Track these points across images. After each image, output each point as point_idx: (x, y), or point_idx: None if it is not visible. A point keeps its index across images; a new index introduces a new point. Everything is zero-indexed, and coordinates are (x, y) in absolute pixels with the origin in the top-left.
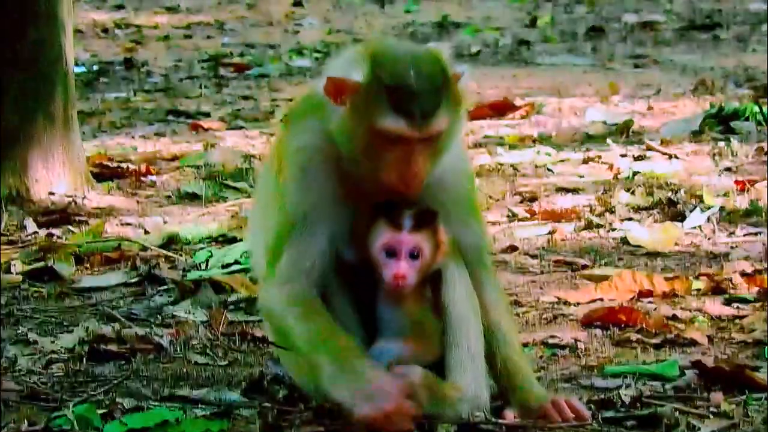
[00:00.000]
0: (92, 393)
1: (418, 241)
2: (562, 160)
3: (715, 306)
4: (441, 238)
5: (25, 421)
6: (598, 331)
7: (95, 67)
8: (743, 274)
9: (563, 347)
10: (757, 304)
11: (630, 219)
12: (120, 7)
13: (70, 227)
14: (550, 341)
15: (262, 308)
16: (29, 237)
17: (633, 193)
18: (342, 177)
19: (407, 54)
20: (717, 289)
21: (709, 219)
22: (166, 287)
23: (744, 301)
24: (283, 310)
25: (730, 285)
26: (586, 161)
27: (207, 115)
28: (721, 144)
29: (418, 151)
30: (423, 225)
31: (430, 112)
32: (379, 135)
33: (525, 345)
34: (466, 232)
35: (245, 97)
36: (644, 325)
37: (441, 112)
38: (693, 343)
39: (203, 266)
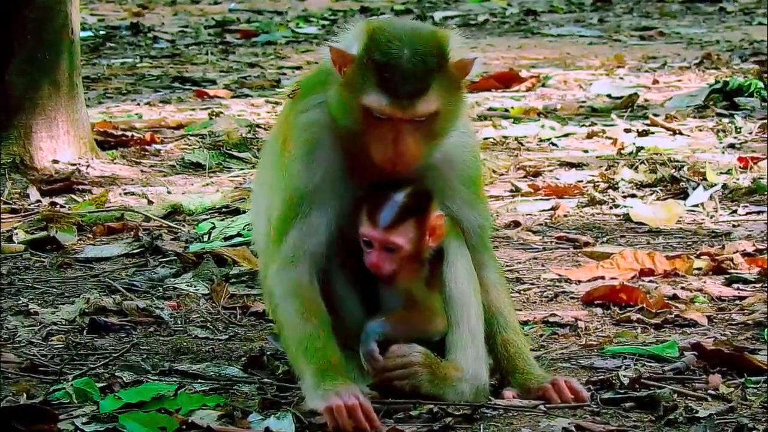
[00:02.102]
0: (92, 366)
1: (392, 237)
2: (566, 134)
3: (715, 286)
4: (434, 223)
5: (24, 394)
6: (599, 310)
7: (102, 32)
8: (744, 254)
9: (563, 326)
10: (758, 285)
11: (633, 195)
12: None
13: (73, 196)
14: (551, 320)
15: (264, 288)
16: (32, 206)
17: (636, 169)
18: (347, 153)
19: (406, 33)
20: (718, 269)
21: (711, 197)
22: (168, 259)
23: (745, 281)
24: (283, 298)
25: (732, 265)
26: (590, 136)
27: (213, 82)
28: (726, 120)
29: (406, 131)
30: (403, 219)
31: (417, 93)
32: (366, 111)
33: (525, 323)
34: (469, 212)
35: (251, 65)
36: (645, 305)
37: (431, 94)
38: (693, 323)
39: (206, 238)
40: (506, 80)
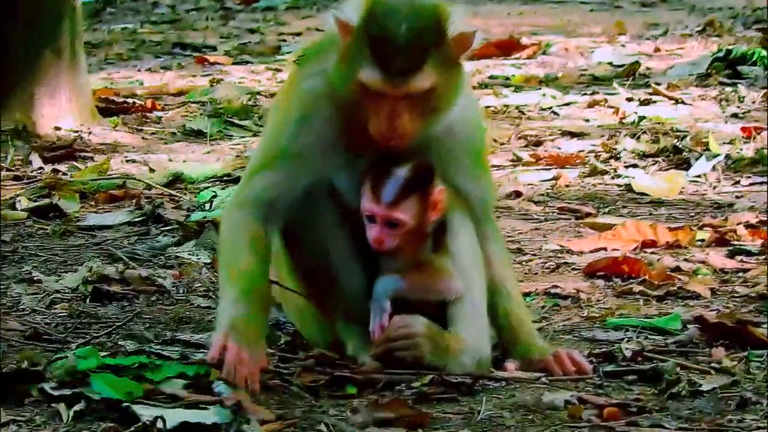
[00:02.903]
0: (95, 335)
1: (395, 213)
2: (567, 103)
3: (718, 258)
4: (436, 197)
5: (26, 362)
6: (601, 282)
7: None
8: (747, 225)
9: (565, 297)
10: (761, 258)
11: (635, 166)
12: None
13: (75, 163)
14: (553, 291)
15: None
16: (35, 173)
17: (638, 139)
18: (346, 123)
19: (405, 7)
20: (721, 241)
21: (714, 167)
22: (170, 227)
23: (748, 253)
24: (226, 232)
25: (734, 236)
26: (591, 105)
27: (213, 48)
28: (728, 89)
29: (401, 107)
30: (406, 194)
31: (411, 69)
32: (362, 85)
33: (527, 295)
34: (472, 185)
35: (251, 31)
36: (647, 277)
37: (426, 70)
38: (695, 296)
39: (207, 207)
40: (507, 48)
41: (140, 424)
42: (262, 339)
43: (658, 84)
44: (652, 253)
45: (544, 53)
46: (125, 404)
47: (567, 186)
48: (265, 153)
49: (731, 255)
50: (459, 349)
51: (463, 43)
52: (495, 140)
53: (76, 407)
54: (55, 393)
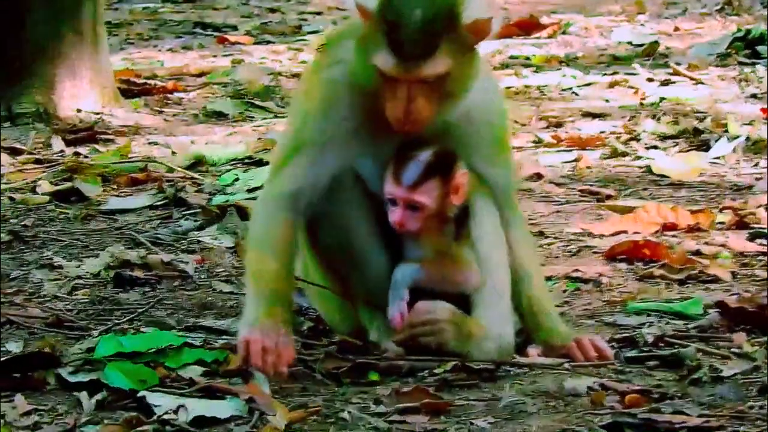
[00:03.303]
0: (117, 321)
1: (416, 196)
2: (588, 84)
3: (738, 241)
4: (459, 181)
5: (48, 348)
6: (622, 266)
7: None
8: None
9: (587, 281)
10: None
11: (655, 147)
12: None
13: (96, 146)
14: (574, 275)
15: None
16: (56, 156)
17: (659, 120)
18: (369, 112)
19: None
20: (741, 224)
21: (734, 149)
22: (192, 211)
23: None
24: (256, 226)
25: (755, 219)
26: (612, 85)
27: (234, 28)
28: (748, 69)
29: (416, 92)
30: (427, 178)
31: (424, 54)
32: (377, 70)
33: (548, 279)
34: (494, 170)
35: (272, 10)
36: (668, 261)
37: (439, 55)
38: (716, 279)
39: (229, 190)
40: (527, 27)
41: (158, 415)
42: (288, 329)
43: (678, 64)
44: (672, 236)
45: (564, 32)
46: (140, 394)
47: (588, 168)
48: (291, 144)
49: (751, 238)
50: (482, 335)
51: (480, 29)
52: (516, 121)
53: (98, 396)
54: (72, 380)
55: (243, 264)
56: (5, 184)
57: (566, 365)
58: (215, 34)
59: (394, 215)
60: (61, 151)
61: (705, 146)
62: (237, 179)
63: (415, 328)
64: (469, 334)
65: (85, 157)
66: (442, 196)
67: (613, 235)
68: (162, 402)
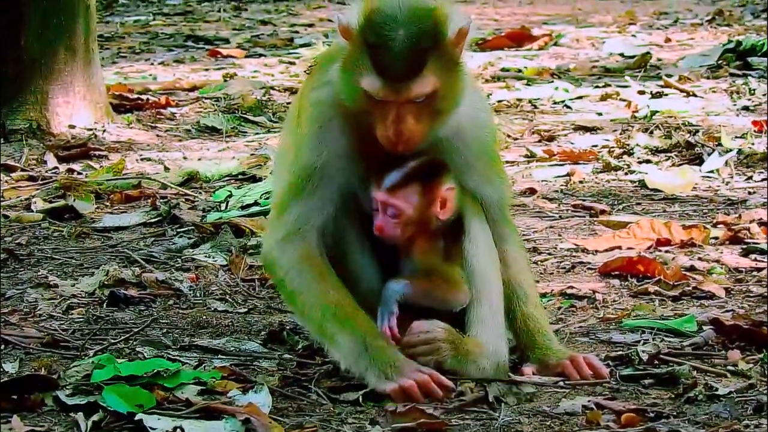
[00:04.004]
0: (113, 341)
1: (393, 199)
2: (580, 96)
3: (732, 257)
4: (445, 195)
5: (45, 369)
6: (616, 282)
7: None
8: (761, 223)
9: (581, 298)
10: None
11: (648, 161)
12: None
13: (90, 162)
14: (568, 292)
15: (265, 261)
16: (49, 173)
17: (651, 134)
18: (358, 130)
19: (402, 13)
20: (735, 239)
21: (726, 163)
22: (185, 229)
23: (761, 251)
24: (290, 269)
25: (748, 234)
26: (604, 98)
27: (226, 41)
28: (739, 81)
29: (405, 112)
30: (407, 183)
31: (411, 75)
32: (364, 92)
33: (543, 295)
34: (487, 186)
35: (264, 22)
36: (662, 277)
37: (426, 74)
38: (710, 296)
39: (223, 206)
40: (518, 39)
41: None
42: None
43: (670, 76)
44: (666, 251)
45: (555, 44)
46: (138, 416)
47: (581, 182)
48: (292, 177)
49: (745, 253)
50: (478, 353)
51: (461, 38)
52: (508, 135)
53: (95, 417)
54: (70, 402)
55: (293, 310)
56: None
57: (561, 384)
58: (207, 47)
59: (375, 220)
60: (55, 167)
61: (698, 160)
62: (230, 195)
63: (413, 347)
64: (467, 353)
65: (79, 174)
66: (423, 205)
67: (606, 250)
68: (159, 425)
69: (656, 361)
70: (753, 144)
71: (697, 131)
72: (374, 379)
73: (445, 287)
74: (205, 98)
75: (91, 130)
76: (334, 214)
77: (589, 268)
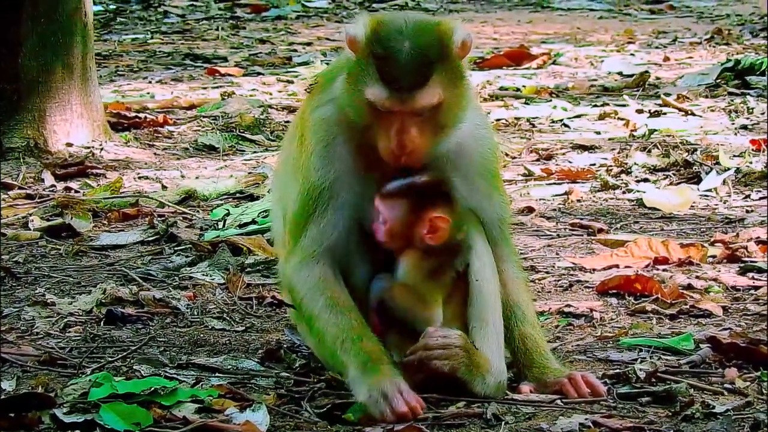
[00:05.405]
0: (110, 360)
1: (381, 207)
2: (578, 115)
3: (730, 275)
4: (435, 222)
5: (42, 388)
6: (614, 300)
7: (112, 6)
8: (759, 241)
9: (579, 317)
10: None
11: (646, 180)
12: None
13: (87, 180)
14: (566, 310)
15: (285, 283)
16: (47, 191)
17: (649, 153)
18: (362, 147)
19: (408, 26)
20: (732, 258)
21: (724, 181)
22: (183, 247)
23: (759, 270)
24: (309, 293)
25: (746, 253)
26: (602, 117)
27: (224, 59)
28: (738, 100)
29: (409, 124)
30: (398, 195)
31: (417, 85)
32: (370, 104)
33: (541, 314)
34: (487, 205)
35: (262, 41)
36: (660, 295)
37: (431, 86)
38: (708, 314)
39: (220, 225)
40: (517, 58)
41: None
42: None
43: (668, 95)
44: (664, 270)
45: (554, 63)
46: None
47: (579, 201)
48: (302, 199)
49: (743, 272)
50: (487, 368)
51: (465, 50)
52: (507, 154)
53: None
54: (67, 420)
55: (308, 335)
56: None
57: (559, 402)
58: (205, 65)
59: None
60: (52, 185)
61: (696, 179)
62: (228, 214)
63: (431, 350)
64: (477, 365)
65: (76, 192)
66: (407, 222)
67: (604, 269)
68: None
69: (653, 379)
70: (751, 163)
71: (695, 150)
72: (369, 401)
73: (418, 305)
74: (203, 116)
75: (88, 148)
76: (347, 231)
77: (586, 287)
